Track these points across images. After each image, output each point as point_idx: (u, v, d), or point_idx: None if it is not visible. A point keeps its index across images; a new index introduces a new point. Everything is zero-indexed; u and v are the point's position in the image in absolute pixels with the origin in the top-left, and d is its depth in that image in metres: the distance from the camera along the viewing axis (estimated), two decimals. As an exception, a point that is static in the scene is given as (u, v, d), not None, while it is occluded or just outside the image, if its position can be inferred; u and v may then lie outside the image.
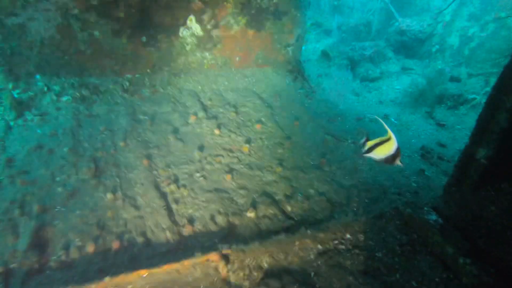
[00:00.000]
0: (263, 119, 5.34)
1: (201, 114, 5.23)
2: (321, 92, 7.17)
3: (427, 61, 8.40)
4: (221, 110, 5.46)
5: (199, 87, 6.28)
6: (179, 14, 5.91)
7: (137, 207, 3.31)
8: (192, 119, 5.07)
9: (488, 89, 6.60)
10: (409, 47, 8.76)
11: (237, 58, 6.80)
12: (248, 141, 4.61)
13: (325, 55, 9.31)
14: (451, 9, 8.06)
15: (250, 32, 6.57)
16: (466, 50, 7.90)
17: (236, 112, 5.42)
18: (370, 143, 2.66)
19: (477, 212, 3.39)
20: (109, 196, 3.34)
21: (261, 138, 4.71)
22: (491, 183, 3.50)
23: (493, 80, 6.52)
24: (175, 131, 4.76)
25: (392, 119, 6.15)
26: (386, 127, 2.54)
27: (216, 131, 4.75)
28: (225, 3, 6.12)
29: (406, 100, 6.72)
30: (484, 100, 6.66)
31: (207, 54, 6.48)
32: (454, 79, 6.73)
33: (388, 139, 2.58)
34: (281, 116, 5.50)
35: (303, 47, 10.75)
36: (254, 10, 6.35)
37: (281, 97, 6.36)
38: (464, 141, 5.80)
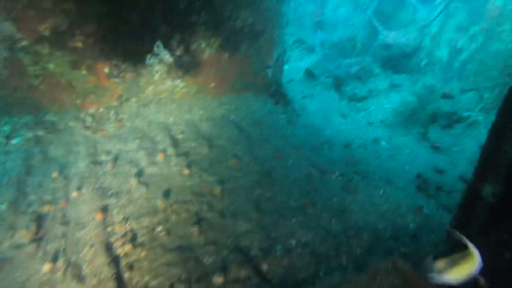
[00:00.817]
0: (239, 153, 4.85)
1: (170, 150, 4.73)
2: (305, 115, 6.72)
3: (416, 75, 8.01)
4: (193, 144, 4.96)
5: (171, 119, 5.79)
6: (144, 40, 5.45)
7: (81, 279, 2.76)
8: (160, 157, 4.56)
9: (483, 105, 6.19)
10: (396, 61, 8.39)
11: (212, 85, 6.35)
12: (221, 182, 4.10)
13: (309, 74, 8.91)
14: (438, 21, 7.72)
15: (225, 55, 6.14)
16: (456, 63, 7.53)
17: (210, 146, 4.92)
18: (441, 263, 2.11)
19: (488, 261, 2.89)
20: (47, 267, 2.79)
21: (236, 177, 4.21)
22: (502, 225, 3.01)
23: (487, 96, 6.13)
24: (140, 173, 4.24)
25: (383, 143, 5.69)
26: (467, 242, 2.02)
27: (186, 171, 4.24)
28: (195, 25, 5.68)
29: (397, 121, 6.28)
30: (480, 117, 6.31)
31: (178, 81, 6.02)
32: (446, 96, 6.32)
33: (467, 255, 2.08)
34: (261, 148, 5.01)
35: (286, 67, 10.38)
36: (228, 32, 5.93)
37: (261, 125, 5.88)
38: (463, 165, 5.40)
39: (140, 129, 5.33)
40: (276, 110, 6.72)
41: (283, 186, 4.04)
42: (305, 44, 11.16)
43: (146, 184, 4.01)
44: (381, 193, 3.99)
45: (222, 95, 6.55)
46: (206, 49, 5.96)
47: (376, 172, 4.66)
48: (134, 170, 4.28)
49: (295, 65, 10.35)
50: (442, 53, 7.87)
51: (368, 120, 6.71)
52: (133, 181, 4.03)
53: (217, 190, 3.90)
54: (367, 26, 9.18)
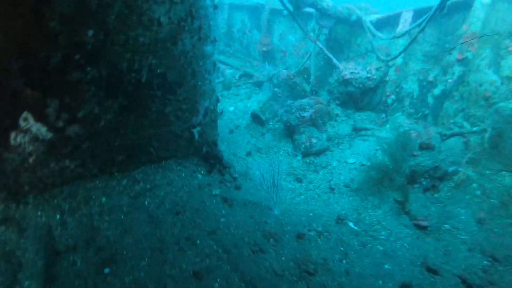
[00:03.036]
0: (141, 275, 3.33)
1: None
2: (248, 185, 5.31)
3: (383, 115, 6.81)
4: (79, 263, 3.40)
5: (58, 215, 4.23)
6: (2, 113, 3.90)
7: None
8: None
9: (471, 154, 4.97)
10: (358, 98, 7.20)
11: (120, 157, 4.87)
12: None
13: (256, 119, 7.56)
14: (401, 48, 6.60)
15: (130, 118, 4.68)
16: (430, 98, 6.41)
17: (103, 263, 3.38)
18: None
19: None
20: None
21: None
22: None
23: (474, 141, 4.93)
24: None
25: (351, 224, 4.33)
26: None
27: None
28: (80, 85, 4.19)
29: (366, 183, 4.95)
30: (469, 172, 5.08)
31: (67, 161, 4.49)
32: (425, 147, 5.07)
33: None
34: (177, 260, 3.52)
35: (231, 108, 9.01)
36: (129, 88, 4.48)
37: (184, 212, 4.44)
38: (461, 255, 4.06)
39: (7, 240, 3.72)
40: (208, 182, 5.27)
41: None
42: (253, 78, 9.88)
43: None
44: None
45: (134, 169, 5.07)
46: (102, 115, 4.48)
47: (345, 286, 3.25)
48: None
49: (243, 105, 8.99)
50: (411, 86, 6.76)
51: (329, 183, 5.36)
52: None
53: None
54: (320, 57, 7.98)
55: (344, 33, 7.85)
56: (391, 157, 4.95)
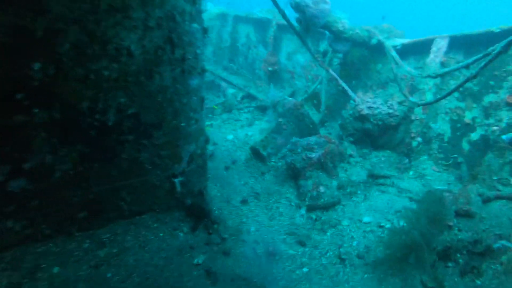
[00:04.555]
0: None
1: None
2: (240, 249, 4.44)
3: (406, 160, 5.88)
4: None
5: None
6: None
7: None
8: None
9: (523, 225, 4.03)
10: (376, 136, 6.28)
11: (81, 215, 4.06)
12: None
13: (256, 154, 6.68)
14: (432, 82, 5.69)
15: (94, 167, 3.85)
16: (465, 144, 5.50)
17: None
18: None
19: None
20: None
21: None
22: None
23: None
24: None
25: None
26: None
27: None
28: (25, 129, 3.37)
29: (386, 255, 4.04)
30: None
31: (9, 223, 3.69)
32: (463, 213, 4.14)
33: None
34: None
35: (230, 136, 8.14)
36: (93, 132, 3.65)
37: (154, 294, 3.56)
38: None
39: None
40: (191, 244, 4.42)
41: None
42: (257, 101, 9.02)
43: None
44: None
45: (100, 228, 4.24)
46: (55, 165, 3.65)
47: None
48: None
49: (243, 133, 8.14)
50: (442, 126, 5.85)
51: (338, 249, 4.45)
52: None
53: None
54: (332, 83, 7.11)
55: (362, 58, 6.97)
56: (417, 217, 4.04)
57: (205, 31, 4.21)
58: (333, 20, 5.80)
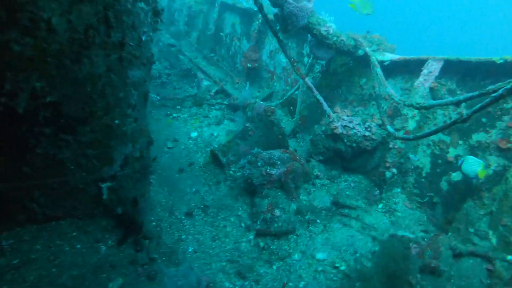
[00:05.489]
0: None
1: None
2: (169, 274, 3.81)
3: (376, 191, 5.34)
4: None
5: None
6: None
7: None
8: None
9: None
10: (348, 158, 5.72)
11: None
12: None
13: (215, 160, 6.07)
14: (417, 110, 5.15)
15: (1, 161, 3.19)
16: (444, 183, 4.98)
17: None
18: None
19: None
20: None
21: None
22: None
23: (502, 268, 3.49)
24: None
25: None
26: None
27: None
28: None
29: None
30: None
31: None
32: (429, 271, 3.61)
33: None
34: None
35: (194, 134, 7.49)
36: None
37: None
38: None
39: None
40: (112, 262, 3.80)
41: None
42: (230, 98, 8.37)
43: None
44: None
45: (2, 231, 3.59)
46: None
47: None
48: None
49: (209, 132, 7.51)
50: (422, 160, 5.32)
51: (284, 290, 3.88)
52: None
53: None
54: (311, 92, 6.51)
55: (346, 68, 6.38)
56: (383, 262, 3.51)
57: (156, 13, 3.56)
58: (316, 22, 5.16)
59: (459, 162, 4.32)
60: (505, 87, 2.65)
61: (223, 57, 10.39)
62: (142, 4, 3.25)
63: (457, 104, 3.38)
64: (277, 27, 5.40)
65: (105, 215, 4.03)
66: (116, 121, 3.54)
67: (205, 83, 9.45)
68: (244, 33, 9.53)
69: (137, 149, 3.97)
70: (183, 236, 4.50)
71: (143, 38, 3.42)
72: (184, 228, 4.68)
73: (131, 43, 3.28)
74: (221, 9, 10.21)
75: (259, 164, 5.17)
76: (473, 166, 4.18)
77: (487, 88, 3.00)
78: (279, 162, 5.16)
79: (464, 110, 4.92)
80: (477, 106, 2.93)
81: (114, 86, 3.35)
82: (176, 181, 5.75)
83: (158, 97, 6.60)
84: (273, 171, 5.08)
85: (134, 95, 3.60)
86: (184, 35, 12.49)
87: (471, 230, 4.07)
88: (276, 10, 5.07)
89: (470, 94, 3.18)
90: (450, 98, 3.50)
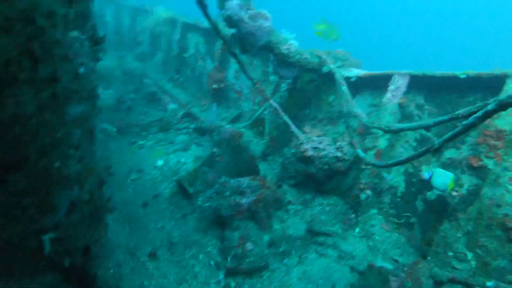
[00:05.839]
0: None
1: None
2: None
3: (352, 215, 5.06)
4: None
5: None
6: None
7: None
8: None
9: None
10: (321, 181, 5.44)
11: None
12: None
13: (182, 190, 5.69)
14: (389, 119, 4.93)
15: None
16: (419, 203, 4.73)
17: None
18: None
19: None
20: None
21: None
22: None
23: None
24: None
25: None
26: None
27: None
28: None
29: None
30: None
31: None
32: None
33: None
34: None
35: (160, 162, 7.11)
36: None
37: None
38: None
39: None
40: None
41: None
42: (197, 122, 8.03)
43: None
44: None
45: None
46: None
47: None
48: None
49: (175, 159, 7.11)
50: (396, 179, 5.09)
51: None
52: None
53: None
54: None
55: (313, 85, 6.14)
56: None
57: (96, 42, 3.22)
58: (276, 41, 4.91)
59: (427, 175, 4.09)
60: (475, 115, 2.42)
61: (189, 78, 10.07)
62: (75, 33, 2.90)
63: (427, 128, 3.15)
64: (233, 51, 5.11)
65: (50, 269, 3.60)
66: (56, 164, 3.14)
67: (171, 106, 9.11)
68: (208, 53, 9.25)
69: (85, 191, 3.57)
70: (145, 282, 4.09)
71: (81, 70, 3.06)
72: (147, 271, 4.27)
73: (66, 77, 2.92)
74: (183, 29, 9.93)
75: (227, 193, 4.83)
76: (443, 178, 3.98)
77: (456, 113, 2.77)
78: (248, 191, 4.83)
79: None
80: (448, 135, 2.69)
81: (49, 126, 2.96)
82: (139, 217, 5.34)
83: (115, 129, 6.21)
84: (243, 201, 4.74)
85: (77, 133, 3.22)
86: (149, 57, 12.17)
87: (450, 253, 3.82)
88: (233, 30, 4.80)
89: (440, 118, 2.96)
90: (420, 122, 3.29)
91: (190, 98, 9.30)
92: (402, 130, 3.64)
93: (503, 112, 3.91)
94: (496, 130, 3.90)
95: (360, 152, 4.58)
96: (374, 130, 5.02)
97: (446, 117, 2.89)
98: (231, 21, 4.52)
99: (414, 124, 3.36)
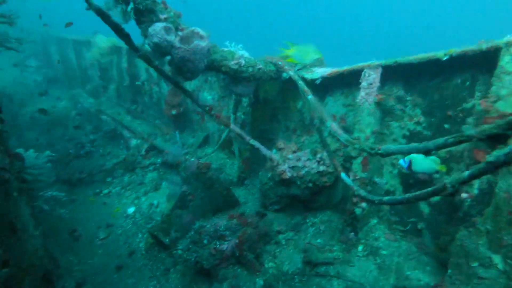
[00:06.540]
0: None
1: None
2: None
3: (351, 234, 4.49)
4: None
5: None
6: None
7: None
8: None
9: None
10: (308, 200, 4.86)
11: None
12: None
13: (158, 242, 5.05)
14: (369, 130, 4.37)
15: None
16: (424, 206, 4.20)
17: None
18: None
19: None
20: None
21: None
22: None
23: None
24: None
25: None
26: None
27: None
28: None
29: None
30: None
31: None
32: None
33: None
34: None
35: (132, 209, 6.42)
36: None
37: None
38: None
39: None
40: None
41: None
42: (164, 155, 7.35)
43: None
44: None
45: None
46: None
47: None
48: None
49: (147, 203, 6.46)
50: (391, 183, 4.54)
51: None
52: None
53: None
54: (247, 128, 5.64)
55: (276, 93, 5.55)
56: None
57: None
58: (221, 58, 4.27)
59: (404, 163, 3.50)
60: (505, 152, 1.85)
61: (147, 105, 9.36)
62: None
63: (427, 152, 2.57)
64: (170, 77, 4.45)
65: None
66: None
67: (133, 142, 8.41)
68: (160, 77, 8.56)
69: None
70: None
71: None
72: None
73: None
74: (129, 56, 9.21)
75: (205, 241, 4.21)
76: (425, 163, 3.43)
77: (466, 134, 2.18)
78: (228, 233, 4.21)
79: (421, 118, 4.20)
80: (467, 174, 2.09)
81: None
82: (114, 284, 4.68)
83: (63, 194, 5.51)
84: (224, 246, 4.13)
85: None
86: (102, 91, 11.40)
87: (474, 264, 3.29)
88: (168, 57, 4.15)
89: (443, 140, 2.35)
90: (416, 144, 2.69)
91: (151, 129, 8.62)
92: (392, 153, 3.03)
93: (504, 92, 3.40)
94: (499, 115, 3.36)
95: (344, 177, 3.96)
96: (356, 134, 4.43)
97: (451, 140, 2.29)
98: (160, 49, 3.86)
99: (407, 146, 2.75)
